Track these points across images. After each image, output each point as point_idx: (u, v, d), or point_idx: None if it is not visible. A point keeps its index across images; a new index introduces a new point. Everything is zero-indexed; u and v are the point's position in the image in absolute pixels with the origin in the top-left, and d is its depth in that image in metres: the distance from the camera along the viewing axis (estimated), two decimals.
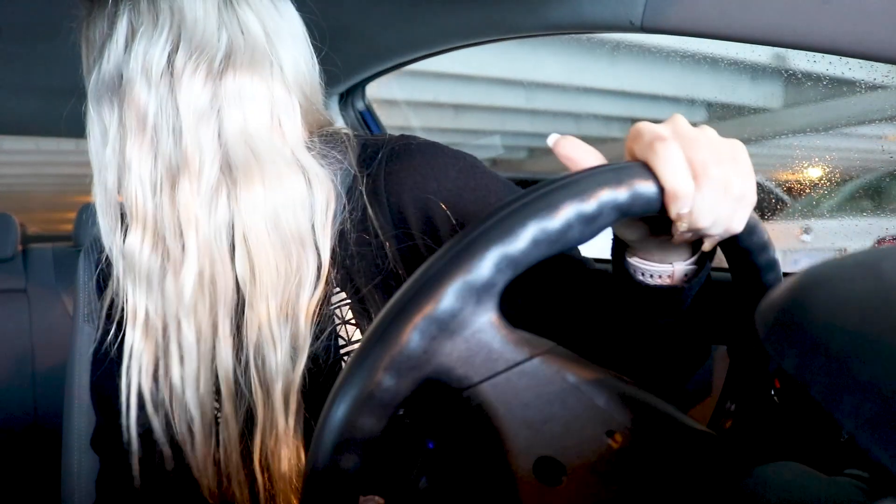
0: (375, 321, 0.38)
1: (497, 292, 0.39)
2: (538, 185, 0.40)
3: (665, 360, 0.62)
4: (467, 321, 0.38)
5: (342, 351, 0.68)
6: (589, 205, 0.39)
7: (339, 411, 0.37)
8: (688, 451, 0.40)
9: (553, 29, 1.02)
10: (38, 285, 2.22)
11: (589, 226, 0.39)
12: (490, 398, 0.39)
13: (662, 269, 0.55)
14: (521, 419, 0.39)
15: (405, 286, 0.38)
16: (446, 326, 0.37)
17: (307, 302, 0.65)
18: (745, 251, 0.50)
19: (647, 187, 0.42)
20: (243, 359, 0.65)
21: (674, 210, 0.43)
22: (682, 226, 0.45)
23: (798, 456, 0.38)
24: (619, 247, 0.57)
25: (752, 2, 0.71)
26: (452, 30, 1.20)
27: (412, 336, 0.37)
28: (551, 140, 0.48)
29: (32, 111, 1.71)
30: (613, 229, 0.56)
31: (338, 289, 0.69)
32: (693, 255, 0.54)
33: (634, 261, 0.56)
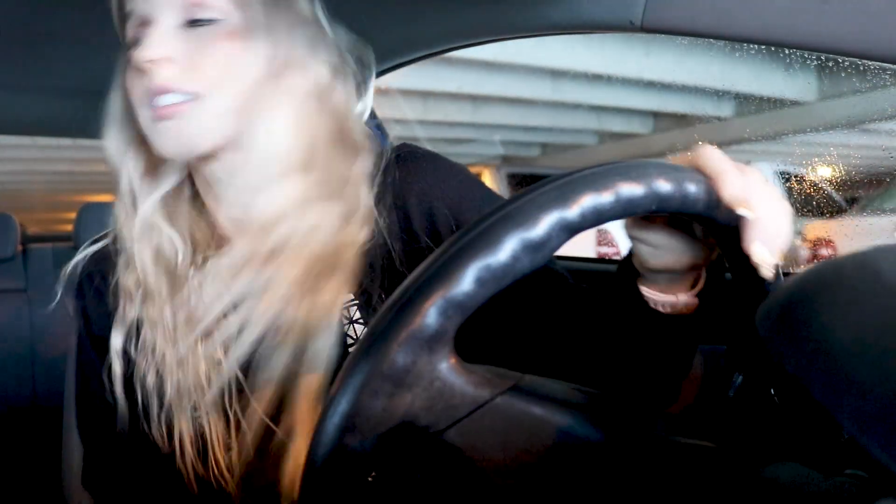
0: (335, 384, 0.37)
1: (449, 338, 0.37)
2: (478, 220, 0.38)
3: (648, 372, 0.64)
4: (423, 372, 0.37)
5: (350, 350, 0.69)
6: (536, 232, 0.37)
7: (311, 473, 0.37)
8: (673, 462, 0.39)
9: (552, 29, 1.02)
10: (38, 285, 2.22)
11: (538, 252, 0.37)
12: (457, 443, 0.39)
13: (665, 300, 0.58)
14: (492, 459, 0.39)
15: (357, 346, 0.37)
16: (402, 382, 0.36)
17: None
18: (747, 254, 0.50)
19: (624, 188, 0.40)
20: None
21: (728, 194, 0.44)
22: (741, 210, 0.45)
23: (798, 456, 0.38)
24: (629, 272, 0.59)
25: (752, 1, 0.71)
26: (451, 30, 1.20)
27: (367, 397, 0.36)
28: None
29: (32, 111, 1.71)
30: (635, 256, 0.57)
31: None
32: (693, 288, 0.58)
33: (642, 289, 0.58)
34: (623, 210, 0.40)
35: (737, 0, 0.72)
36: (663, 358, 0.61)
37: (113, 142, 0.72)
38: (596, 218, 0.38)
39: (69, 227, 2.41)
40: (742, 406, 0.55)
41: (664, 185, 0.41)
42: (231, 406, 0.67)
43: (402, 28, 1.23)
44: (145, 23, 0.64)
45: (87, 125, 0.72)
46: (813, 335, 0.25)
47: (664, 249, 0.54)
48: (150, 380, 0.69)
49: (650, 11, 0.81)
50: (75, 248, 2.46)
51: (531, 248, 0.36)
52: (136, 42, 0.64)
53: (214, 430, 0.67)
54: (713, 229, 0.49)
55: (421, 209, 0.71)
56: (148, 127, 0.65)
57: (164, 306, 0.69)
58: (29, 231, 2.76)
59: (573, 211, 0.37)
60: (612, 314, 0.62)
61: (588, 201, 0.38)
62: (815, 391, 0.24)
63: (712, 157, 0.45)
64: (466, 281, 0.35)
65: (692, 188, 0.42)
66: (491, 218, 0.37)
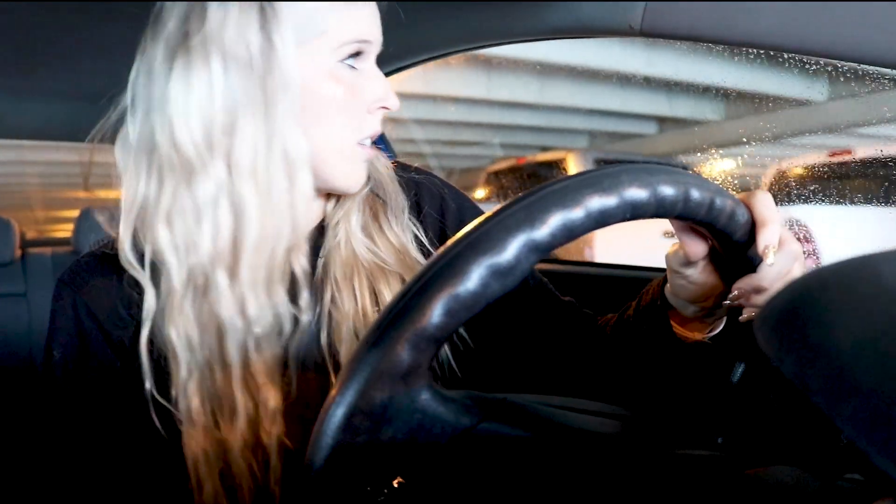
0: (317, 424, 0.36)
1: (425, 370, 0.37)
2: (444, 250, 0.37)
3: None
4: (402, 406, 0.37)
5: None
6: (504, 257, 0.36)
7: None
8: (672, 468, 0.39)
9: (553, 33, 1.02)
10: (38, 290, 2.22)
11: (508, 277, 0.36)
12: (446, 468, 0.38)
13: (683, 334, 0.62)
14: (485, 482, 0.39)
15: (335, 385, 0.36)
16: (381, 417, 0.36)
17: None
18: (724, 234, 0.51)
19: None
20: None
21: (765, 243, 0.48)
22: (767, 260, 0.49)
23: (797, 460, 0.38)
24: (663, 304, 0.62)
25: (750, 6, 0.71)
26: (453, 34, 1.21)
27: (349, 435, 0.35)
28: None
29: (32, 115, 1.71)
30: (671, 286, 0.61)
31: None
32: (711, 330, 0.62)
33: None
34: (596, 223, 0.39)
35: (736, 5, 0.72)
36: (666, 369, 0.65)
37: (300, 137, 0.63)
38: (567, 235, 0.37)
39: (69, 228, 2.41)
40: (744, 393, 0.55)
41: (638, 193, 0.40)
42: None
43: (403, 32, 1.23)
44: (362, 57, 0.70)
45: (86, 129, 0.71)
46: (812, 339, 0.25)
47: (697, 286, 0.58)
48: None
49: (649, 15, 0.82)
50: (75, 254, 2.44)
51: (500, 273, 0.35)
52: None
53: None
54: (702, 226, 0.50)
55: (433, 229, 0.78)
56: (349, 159, 0.67)
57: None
58: (28, 235, 2.76)
59: (542, 231, 0.36)
60: (639, 333, 0.66)
61: (556, 220, 0.37)
62: (813, 395, 0.24)
63: (767, 204, 0.49)
64: (436, 313, 0.35)
65: (668, 192, 0.41)
66: (457, 247, 0.36)
